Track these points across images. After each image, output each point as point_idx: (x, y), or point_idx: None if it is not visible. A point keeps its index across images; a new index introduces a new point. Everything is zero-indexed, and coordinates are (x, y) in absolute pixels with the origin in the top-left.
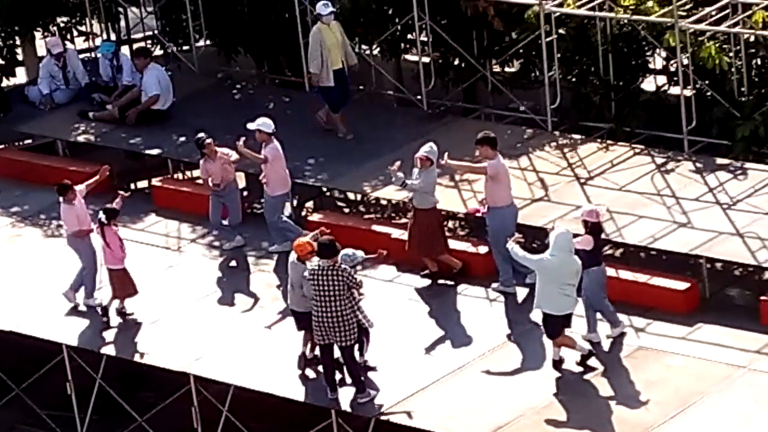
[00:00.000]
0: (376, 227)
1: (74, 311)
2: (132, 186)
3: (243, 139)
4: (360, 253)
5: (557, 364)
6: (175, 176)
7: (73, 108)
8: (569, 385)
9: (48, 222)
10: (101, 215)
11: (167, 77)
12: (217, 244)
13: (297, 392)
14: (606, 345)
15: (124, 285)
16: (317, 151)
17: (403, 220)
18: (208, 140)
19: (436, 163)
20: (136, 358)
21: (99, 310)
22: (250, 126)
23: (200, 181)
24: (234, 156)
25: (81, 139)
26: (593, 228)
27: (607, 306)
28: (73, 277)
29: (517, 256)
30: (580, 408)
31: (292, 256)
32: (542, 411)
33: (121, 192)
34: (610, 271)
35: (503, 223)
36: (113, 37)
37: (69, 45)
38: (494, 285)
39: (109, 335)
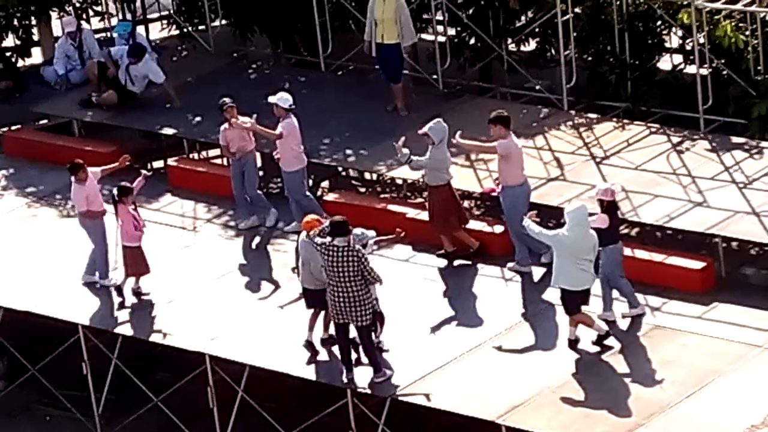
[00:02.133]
0: (391, 207)
1: (90, 291)
2: (148, 166)
3: (255, 115)
4: (371, 233)
5: (573, 343)
6: (191, 156)
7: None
8: (585, 364)
9: (63, 202)
10: (114, 191)
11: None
12: (232, 223)
13: (313, 372)
14: (622, 324)
15: (136, 263)
16: (333, 131)
17: (419, 200)
18: (230, 105)
19: (445, 142)
20: (152, 338)
21: (113, 289)
22: (270, 99)
23: (216, 161)
24: (248, 123)
25: (97, 119)
26: (608, 206)
27: (625, 285)
28: (87, 261)
29: (533, 233)
30: (596, 387)
31: (303, 234)
32: (558, 390)
33: (144, 171)
34: (626, 251)
35: (515, 202)
36: (129, 17)
37: (85, 25)
38: (510, 264)
39: (125, 315)
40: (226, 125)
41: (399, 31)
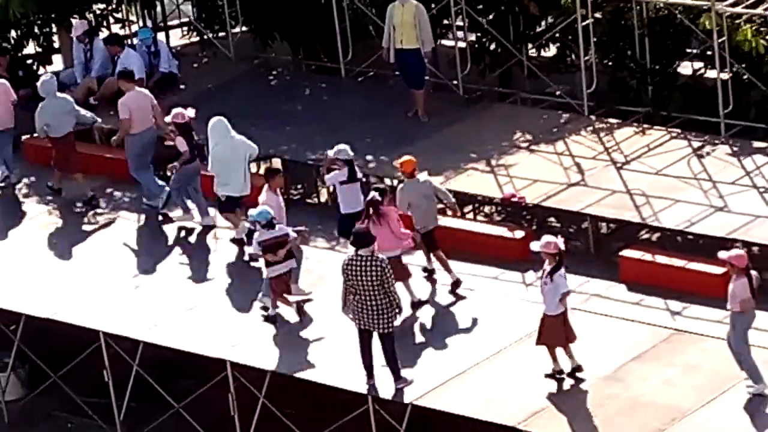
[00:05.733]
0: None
1: (112, 298)
2: (168, 172)
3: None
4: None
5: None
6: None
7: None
8: (606, 371)
9: (84, 209)
10: (374, 194)
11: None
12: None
13: (333, 378)
14: (642, 331)
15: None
16: (353, 137)
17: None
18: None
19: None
20: (173, 344)
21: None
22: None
23: None
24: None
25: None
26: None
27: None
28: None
29: None
30: (616, 393)
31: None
32: (579, 395)
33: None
34: (647, 256)
35: None
36: (149, 24)
37: (100, 37)
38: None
39: (146, 322)
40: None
41: (418, 35)
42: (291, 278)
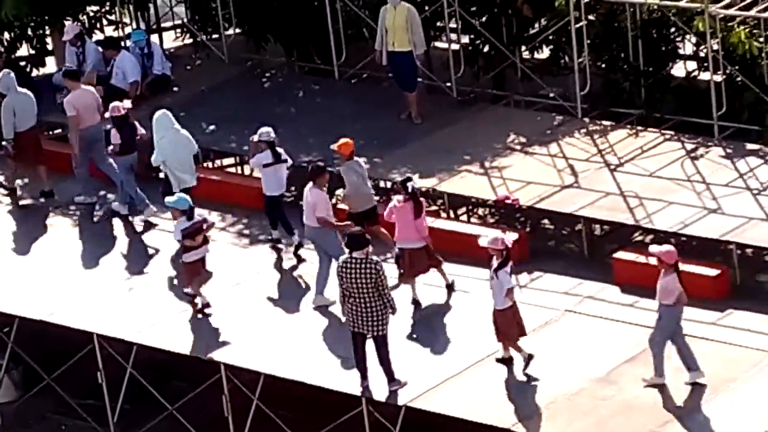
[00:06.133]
0: None
1: (106, 300)
2: (161, 175)
3: None
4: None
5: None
6: (205, 164)
7: None
8: (600, 372)
9: (77, 211)
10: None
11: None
12: (246, 232)
13: (327, 380)
14: (638, 332)
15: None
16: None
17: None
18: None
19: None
20: (167, 347)
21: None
22: None
23: (231, 170)
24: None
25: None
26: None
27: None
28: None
29: None
30: (610, 394)
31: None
32: (573, 398)
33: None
34: (640, 258)
35: None
36: (143, 26)
37: (92, 39)
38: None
39: (140, 324)
40: None
41: (410, 38)
42: (204, 264)
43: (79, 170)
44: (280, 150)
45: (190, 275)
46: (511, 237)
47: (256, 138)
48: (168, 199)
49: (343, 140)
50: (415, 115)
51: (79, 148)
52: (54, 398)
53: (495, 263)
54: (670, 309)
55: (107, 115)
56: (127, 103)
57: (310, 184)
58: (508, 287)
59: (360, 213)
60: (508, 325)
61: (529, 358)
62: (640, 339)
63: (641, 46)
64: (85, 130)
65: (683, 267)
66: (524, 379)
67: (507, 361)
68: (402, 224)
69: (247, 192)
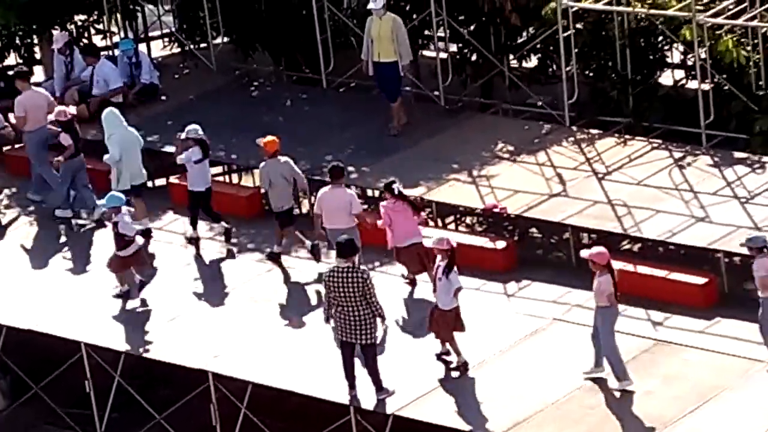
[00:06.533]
0: None
1: (93, 309)
2: (150, 183)
3: None
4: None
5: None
6: None
7: None
8: (588, 380)
9: (66, 221)
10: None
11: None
12: (234, 240)
13: (315, 389)
14: (624, 339)
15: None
16: (334, 148)
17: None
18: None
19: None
20: (155, 355)
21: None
22: None
23: (219, 179)
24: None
25: (98, 137)
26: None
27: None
28: None
29: None
30: (598, 402)
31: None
32: (561, 406)
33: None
34: (628, 267)
35: None
36: (131, 35)
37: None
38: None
39: (128, 333)
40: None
41: (395, 49)
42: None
43: (41, 168)
44: (208, 146)
45: (126, 267)
46: (500, 244)
47: (183, 135)
48: (100, 202)
49: (269, 137)
50: (395, 125)
51: (30, 148)
52: (42, 407)
53: (441, 264)
54: (608, 310)
55: (50, 117)
56: (73, 109)
57: (329, 186)
58: (457, 287)
59: (278, 213)
60: (448, 326)
61: (464, 366)
62: (629, 347)
63: (629, 54)
64: (35, 132)
65: (671, 275)
66: (512, 387)
67: (447, 355)
68: (400, 223)
69: (235, 200)
